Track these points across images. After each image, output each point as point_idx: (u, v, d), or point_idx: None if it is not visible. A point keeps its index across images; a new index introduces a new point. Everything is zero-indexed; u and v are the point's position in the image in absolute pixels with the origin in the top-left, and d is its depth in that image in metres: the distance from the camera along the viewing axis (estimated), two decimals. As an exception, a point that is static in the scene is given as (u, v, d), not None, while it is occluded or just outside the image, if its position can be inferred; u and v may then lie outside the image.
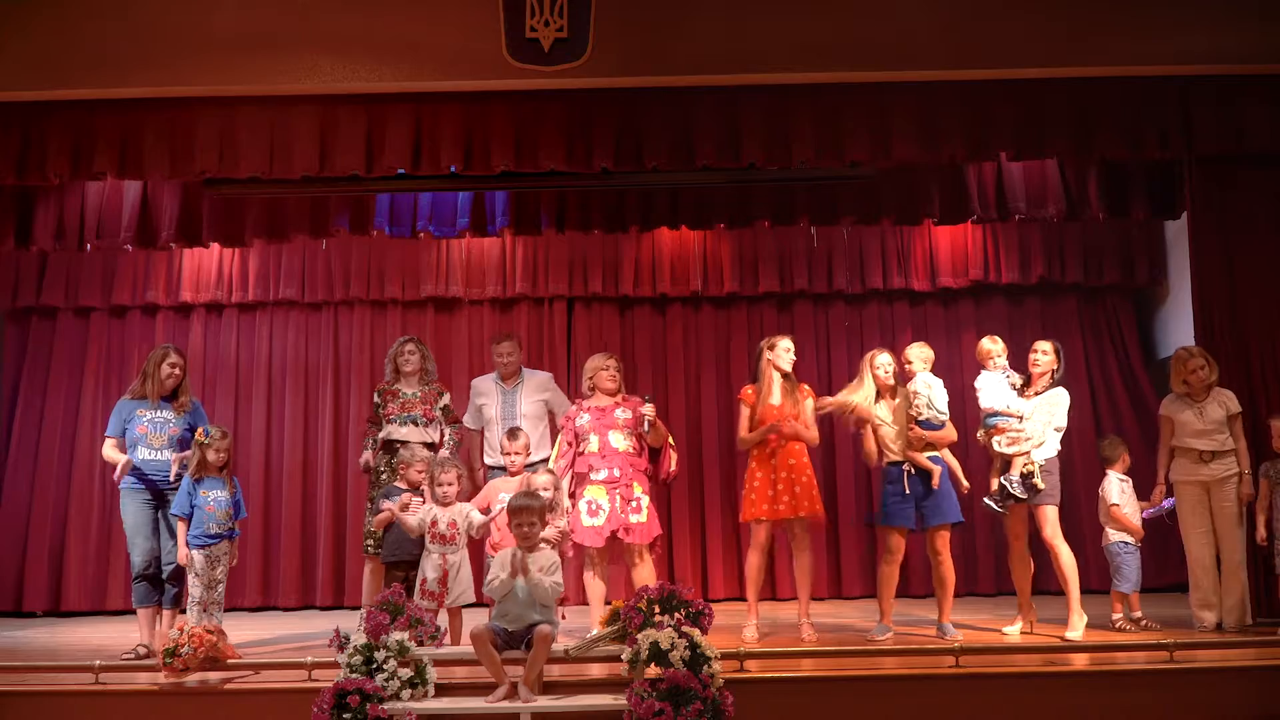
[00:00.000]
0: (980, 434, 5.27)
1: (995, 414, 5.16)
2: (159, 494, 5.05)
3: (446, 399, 5.59)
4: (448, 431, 5.51)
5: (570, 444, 5.23)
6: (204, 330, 7.42)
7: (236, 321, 7.45)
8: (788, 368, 5.22)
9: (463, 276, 7.38)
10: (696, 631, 3.96)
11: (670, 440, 5.28)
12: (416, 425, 5.41)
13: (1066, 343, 7.17)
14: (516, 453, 5.03)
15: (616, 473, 5.07)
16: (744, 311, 7.45)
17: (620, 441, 5.11)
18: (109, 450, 5.13)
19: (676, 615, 4.05)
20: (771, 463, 5.10)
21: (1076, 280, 7.29)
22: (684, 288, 7.37)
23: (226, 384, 7.36)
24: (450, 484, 4.73)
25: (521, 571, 4.05)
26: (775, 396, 5.17)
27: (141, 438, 5.07)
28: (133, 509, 5.04)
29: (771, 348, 5.23)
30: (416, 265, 7.36)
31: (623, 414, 5.16)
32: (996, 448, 5.14)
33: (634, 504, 5.04)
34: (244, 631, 5.55)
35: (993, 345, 5.31)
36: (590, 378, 5.30)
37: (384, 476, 5.36)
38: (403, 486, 4.99)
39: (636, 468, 5.13)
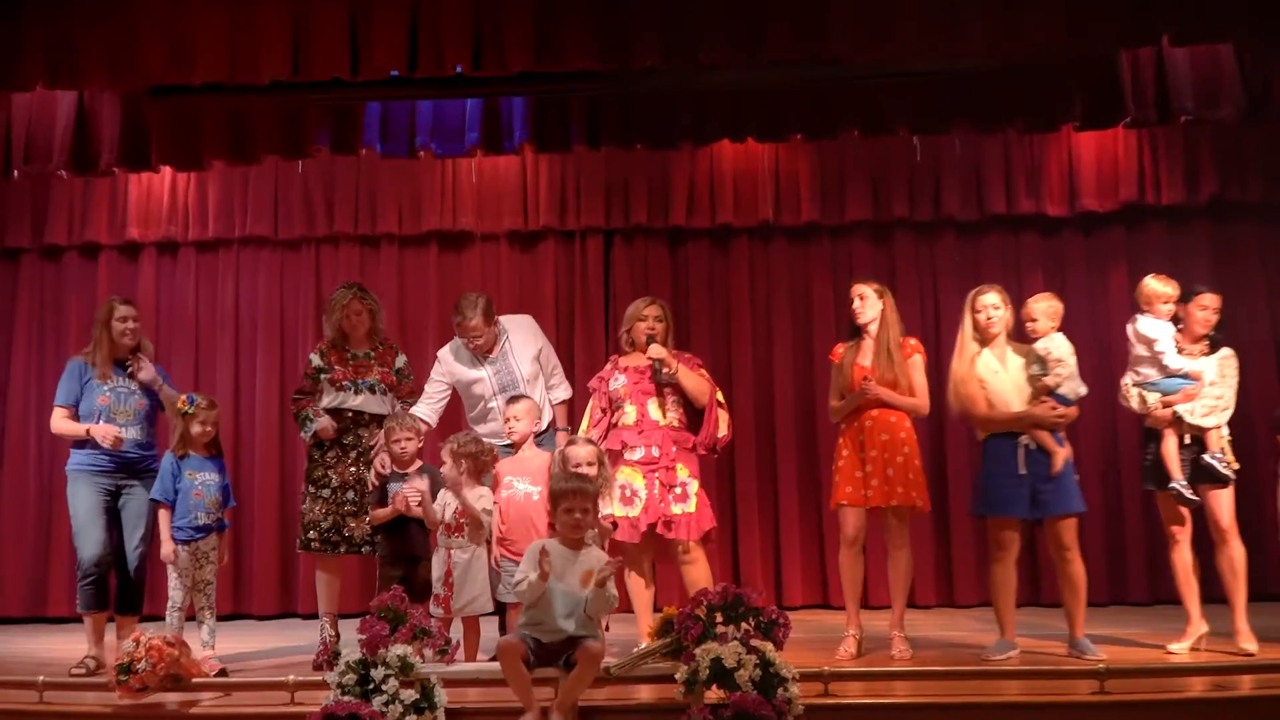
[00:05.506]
0: (1154, 401, 5.20)
1: (1180, 375, 5.12)
2: (132, 473, 5.17)
3: (403, 360, 5.59)
4: (398, 406, 5.49)
5: (604, 411, 5.22)
6: (155, 275, 7.52)
7: (195, 264, 7.54)
8: (863, 318, 5.22)
9: (474, 205, 7.40)
10: (769, 646, 3.97)
11: (719, 396, 5.24)
12: (374, 393, 5.43)
13: (1243, 278, 7.07)
14: (516, 417, 5.01)
15: (656, 451, 5.06)
16: (827, 245, 7.42)
17: (662, 413, 5.12)
18: (62, 423, 5.24)
19: (744, 626, 4.06)
20: (860, 438, 5.12)
21: (1259, 200, 7.15)
22: (751, 216, 7.34)
23: (184, 341, 7.46)
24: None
25: (580, 578, 4.05)
26: (865, 355, 5.20)
27: (103, 410, 5.18)
28: (84, 495, 5.16)
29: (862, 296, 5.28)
30: (416, 192, 7.39)
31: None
32: (1188, 418, 5.11)
33: (678, 490, 5.05)
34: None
35: (1163, 287, 5.24)
36: (627, 329, 5.29)
37: (331, 456, 5.41)
38: (399, 470, 5.06)
39: (682, 445, 5.12)
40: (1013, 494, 4.99)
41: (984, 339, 5.13)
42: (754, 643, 3.96)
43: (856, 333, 5.29)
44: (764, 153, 7.29)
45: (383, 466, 5.14)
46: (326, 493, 5.34)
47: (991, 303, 5.11)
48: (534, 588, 4.03)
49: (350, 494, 5.31)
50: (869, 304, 5.24)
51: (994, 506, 5.03)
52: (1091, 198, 7.24)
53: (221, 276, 7.56)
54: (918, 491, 5.11)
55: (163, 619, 5.04)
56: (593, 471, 4.62)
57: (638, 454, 5.08)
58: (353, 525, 5.29)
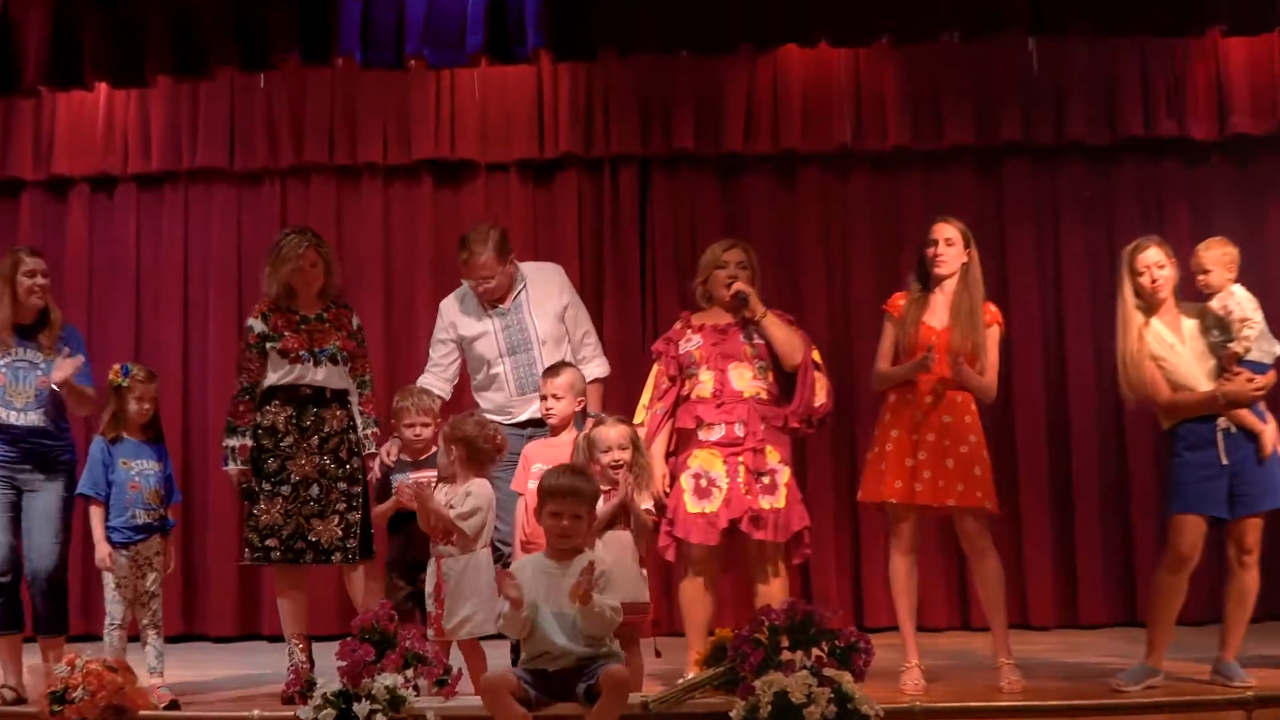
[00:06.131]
0: None
1: None
2: (38, 466, 5.19)
3: (357, 321, 5.55)
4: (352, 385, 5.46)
5: (672, 380, 5.19)
6: (88, 216, 7.57)
7: (136, 202, 7.58)
8: (945, 268, 5.17)
9: (477, 128, 7.38)
10: (847, 676, 3.98)
11: (815, 356, 5.20)
12: (335, 363, 5.38)
13: None
14: (557, 395, 4.99)
15: (740, 430, 5.04)
16: (919, 176, 7.43)
17: (747, 381, 5.10)
18: None
19: (815, 651, 4.08)
20: (915, 417, 5.10)
21: None
22: (825, 140, 7.33)
23: (122, 296, 7.51)
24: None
25: (576, 596, 4.04)
26: (934, 314, 5.17)
27: None
28: None
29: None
30: (405, 112, 7.37)
31: (755, 339, 5.15)
32: None
33: (766, 479, 5.03)
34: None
35: None
36: (702, 279, 5.27)
37: (287, 443, 5.37)
38: (409, 459, 5.09)
39: (771, 423, 5.10)
40: (1209, 489, 4.96)
41: (1150, 305, 5.08)
42: (828, 672, 3.97)
43: (925, 282, 5.24)
44: (841, 60, 7.26)
45: (389, 455, 5.14)
46: (286, 489, 5.26)
47: (1155, 260, 5.05)
48: (510, 620, 4.09)
49: (314, 490, 5.25)
50: (954, 251, 5.19)
51: (1190, 504, 4.97)
52: (1245, 116, 7.21)
53: (168, 218, 7.58)
54: (984, 490, 5.06)
55: (99, 639, 5.08)
56: (626, 457, 4.63)
57: (716, 433, 5.05)
58: (319, 528, 5.24)
